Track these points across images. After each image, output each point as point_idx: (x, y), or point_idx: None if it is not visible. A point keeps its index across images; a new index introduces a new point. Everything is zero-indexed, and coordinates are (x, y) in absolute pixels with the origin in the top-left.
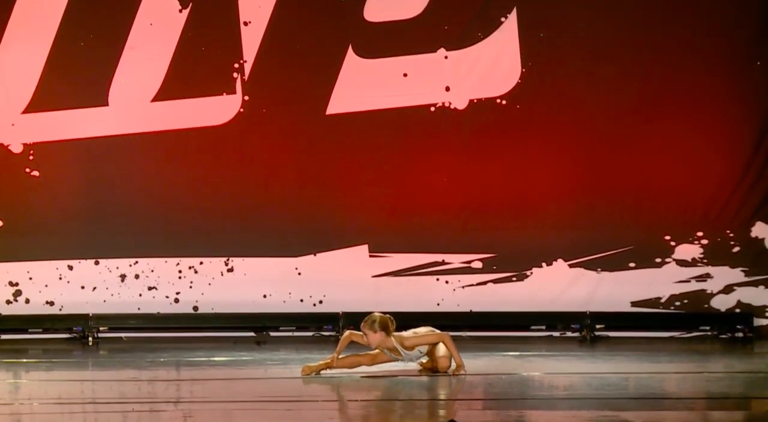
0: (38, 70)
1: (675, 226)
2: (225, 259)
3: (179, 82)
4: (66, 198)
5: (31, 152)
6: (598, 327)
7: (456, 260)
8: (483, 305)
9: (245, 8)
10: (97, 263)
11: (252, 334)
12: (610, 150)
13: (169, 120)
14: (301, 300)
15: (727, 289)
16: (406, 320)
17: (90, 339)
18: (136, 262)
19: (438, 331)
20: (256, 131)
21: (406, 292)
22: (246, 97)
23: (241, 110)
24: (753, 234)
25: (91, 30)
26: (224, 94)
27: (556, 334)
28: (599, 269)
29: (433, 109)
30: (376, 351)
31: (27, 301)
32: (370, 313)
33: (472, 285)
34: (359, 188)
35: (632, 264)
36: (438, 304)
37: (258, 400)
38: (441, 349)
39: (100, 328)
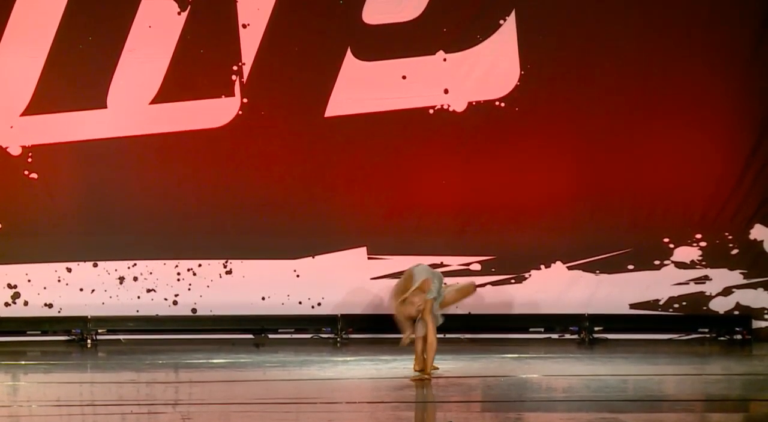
0: (37, 73)
1: (674, 228)
2: (223, 261)
3: (178, 85)
4: (64, 200)
5: (30, 154)
6: (596, 329)
7: (454, 262)
8: (481, 308)
9: (244, 11)
10: (95, 265)
11: (250, 336)
12: (608, 152)
13: (167, 122)
14: (300, 302)
15: (726, 291)
16: None
17: (88, 341)
18: (135, 264)
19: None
20: (254, 133)
21: None
22: (245, 100)
23: (240, 112)
24: (752, 236)
25: (89, 32)
26: (223, 96)
27: (555, 336)
28: (598, 272)
29: (431, 111)
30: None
31: (26, 303)
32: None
33: None
34: (358, 191)
35: (631, 266)
36: None
37: (256, 402)
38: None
39: (99, 330)
